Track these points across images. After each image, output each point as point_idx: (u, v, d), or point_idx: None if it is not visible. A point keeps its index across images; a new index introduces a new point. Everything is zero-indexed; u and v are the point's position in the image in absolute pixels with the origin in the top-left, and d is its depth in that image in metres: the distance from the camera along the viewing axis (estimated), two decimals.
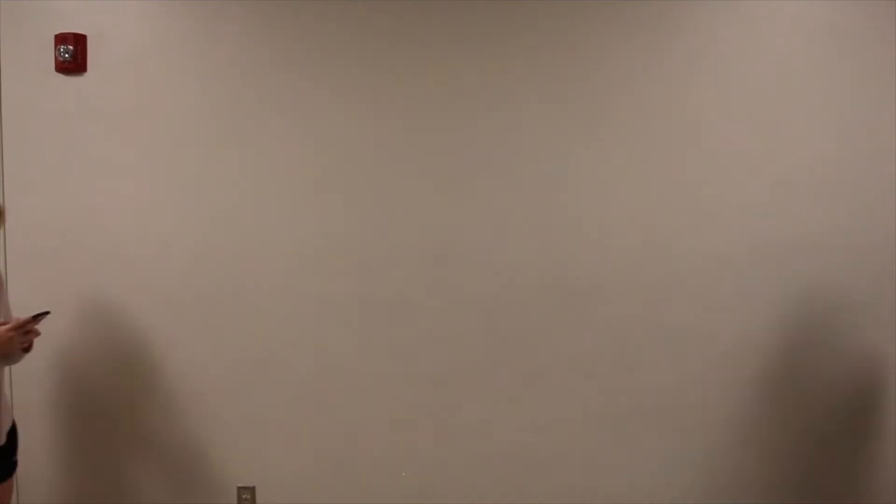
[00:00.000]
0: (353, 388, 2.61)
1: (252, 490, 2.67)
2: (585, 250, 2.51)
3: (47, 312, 2.01)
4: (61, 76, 2.58)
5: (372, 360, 2.60)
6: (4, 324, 1.96)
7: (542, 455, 2.60)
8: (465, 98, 2.51)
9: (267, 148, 2.56)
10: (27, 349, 2.04)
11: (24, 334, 1.96)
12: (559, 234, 2.52)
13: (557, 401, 2.58)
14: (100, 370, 2.67)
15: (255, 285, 2.60)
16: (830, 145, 2.44)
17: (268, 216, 2.58)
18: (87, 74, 2.58)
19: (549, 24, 2.46)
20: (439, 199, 2.54)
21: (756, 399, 2.51)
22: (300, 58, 2.52)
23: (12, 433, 2.09)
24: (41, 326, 2.00)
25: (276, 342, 2.61)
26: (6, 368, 2.04)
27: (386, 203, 2.54)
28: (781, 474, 2.54)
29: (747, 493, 2.55)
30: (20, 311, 2.69)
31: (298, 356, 2.61)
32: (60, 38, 2.54)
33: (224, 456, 2.67)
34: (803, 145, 2.44)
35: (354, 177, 2.55)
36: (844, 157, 2.45)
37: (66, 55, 2.54)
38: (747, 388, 2.53)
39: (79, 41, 2.54)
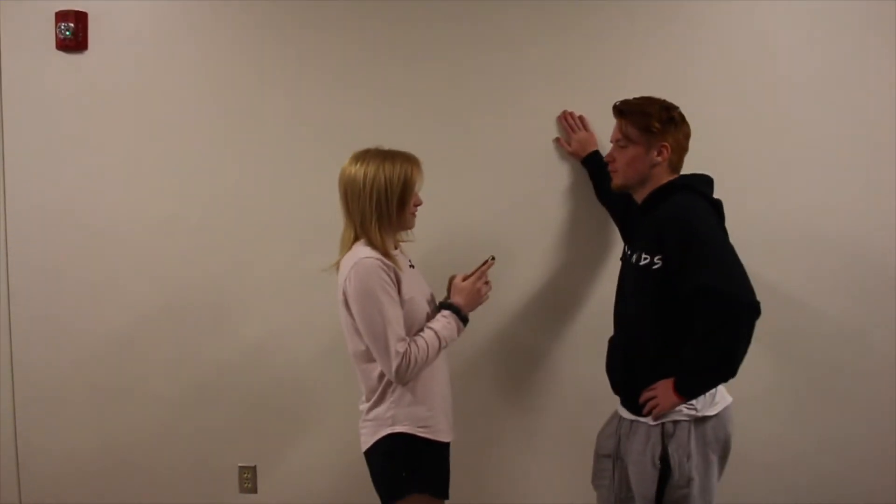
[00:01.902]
0: (353, 368, 2.60)
1: (253, 469, 2.68)
2: (588, 233, 2.51)
3: (493, 257, 2.01)
4: (62, 54, 2.56)
5: None
6: (467, 278, 1.97)
7: (543, 436, 2.60)
8: (469, 87, 2.47)
9: (269, 127, 2.55)
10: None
11: (485, 283, 1.98)
12: (563, 225, 2.51)
13: (559, 383, 2.58)
14: (100, 351, 2.68)
15: (255, 267, 2.60)
16: (831, 134, 2.43)
17: (269, 197, 2.57)
18: (87, 52, 2.57)
19: (557, 21, 2.43)
20: (440, 189, 2.51)
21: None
22: (303, 36, 2.50)
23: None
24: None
25: (277, 323, 2.61)
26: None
27: None
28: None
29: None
30: (22, 293, 2.69)
31: (299, 337, 2.61)
32: (61, 16, 2.52)
33: (225, 436, 2.68)
34: (803, 136, 2.43)
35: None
36: (846, 149, 2.43)
37: (67, 33, 2.52)
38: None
39: (80, 19, 2.53)
